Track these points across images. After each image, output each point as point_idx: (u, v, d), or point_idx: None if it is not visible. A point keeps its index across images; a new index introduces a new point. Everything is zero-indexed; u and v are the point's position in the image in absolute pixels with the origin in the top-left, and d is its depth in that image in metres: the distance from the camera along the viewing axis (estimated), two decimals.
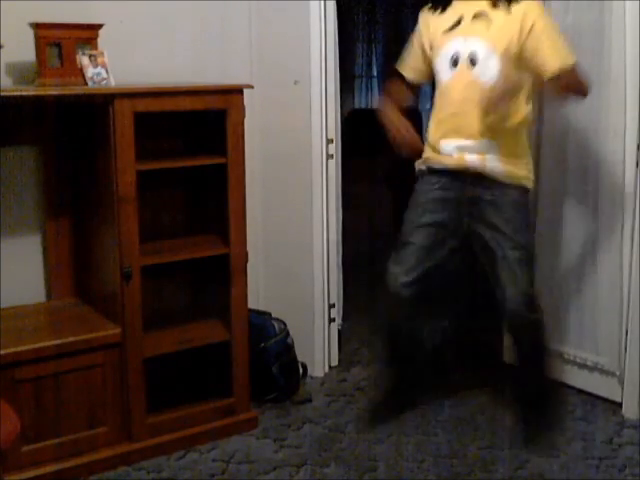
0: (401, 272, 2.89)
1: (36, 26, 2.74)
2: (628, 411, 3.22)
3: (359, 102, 8.49)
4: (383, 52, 8.31)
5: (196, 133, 3.16)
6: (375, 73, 8.53)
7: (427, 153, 2.91)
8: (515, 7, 2.68)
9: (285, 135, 3.55)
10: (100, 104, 2.72)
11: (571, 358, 3.45)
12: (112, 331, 2.81)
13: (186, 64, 3.30)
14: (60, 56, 2.78)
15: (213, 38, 3.41)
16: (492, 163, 2.76)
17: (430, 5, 2.85)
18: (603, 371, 3.33)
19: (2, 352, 2.58)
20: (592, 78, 3.10)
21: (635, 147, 3.10)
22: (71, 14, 2.87)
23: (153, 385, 2.93)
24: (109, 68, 2.79)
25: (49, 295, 3.11)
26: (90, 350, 2.76)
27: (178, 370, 3.15)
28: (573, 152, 3.33)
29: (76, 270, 3.10)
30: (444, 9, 2.79)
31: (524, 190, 2.84)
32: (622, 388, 3.24)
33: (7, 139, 2.90)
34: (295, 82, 3.46)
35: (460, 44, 2.73)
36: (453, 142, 2.79)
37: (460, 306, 3.69)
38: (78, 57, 2.77)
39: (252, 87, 3.02)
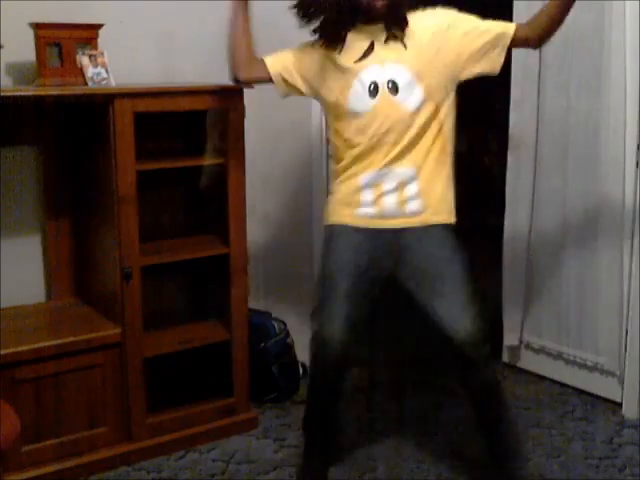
0: (331, 329, 2.51)
1: (36, 26, 2.74)
2: (628, 411, 3.22)
3: None
4: None
5: (196, 133, 3.16)
6: None
7: (341, 203, 2.60)
8: (422, 22, 2.48)
9: (285, 135, 3.55)
10: (100, 104, 2.72)
11: (571, 358, 3.45)
12: (112, 331, 2.81)
13: (186, 64, 3.30)
14: (60, 56, 2.78)
15: (213, 38, 3.40)
16: (413, 206, 2.51)
17: (321, 43, 2.53)
18: (603, 371, 3.33)
19: (2, 352, 2.59)
20: (592, 78, 3.12)
21: (635, 147, 3.10)
22: (71, 14, 2.87)
23: (153, 385, 2.93)
24: (109, 68, 2.79)
25: (49, 295, 3.11)
26: (90, 350, 2.76)
27: (178, 370, 3.15)
28: (573, 152, 3.33)
29: (76, 270, 3.10)
30: (341, 45, 2.50)
31: (450, 228, 2.57)
32: (622, 388, 3.25)
33: (7, 139, 2.90)
34: None
35: (378, 71, 2.46)
36: (372, 171, 2.51)
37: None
38: (78, 57, 2.77)
39: (252, 87, 3.01)
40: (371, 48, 2.49)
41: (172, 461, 2.91)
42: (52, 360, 2.69)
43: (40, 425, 2.70)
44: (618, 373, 3.26)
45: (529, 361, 3.63)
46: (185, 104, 2.87)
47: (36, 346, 2.67)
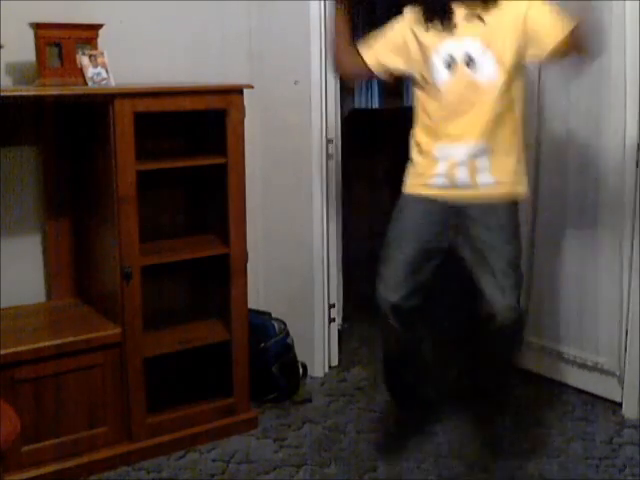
0: (389, 291, 2.81)
1: (36, 26, 2.74)
2: (628, 411, 3.22)
3: (359, 102, 8.47)
4: None
5: (196, 133, 3.16)
6: None
7: (416, 173, 2.77)
8: (505, 5, 2.60)
9: (285, 135, 3.55)
10: (100, 104, 2.72)
11: (571, 358, 3.45)
12: (112, 331, 2.81)
13: (186, 64, 3.30)
14: (60, 56, 2.78)
15: (213, 38, 3.41)
16: (484, 179, 2.65)
17: (427, 17, 2.68)
18: (603, 371, 3.33)
19: (2, 352, 2.58)
20: (591, 78, 3.11)
21: (635, 147, 3.10)
22: (71, 14, 2.88)
23: (153, 385, 2.93)
24: (109, 68, 2.79)
25: (49, 295, 3.11)
26: (90, 350, 2.76)
27: (178, 370, 3.15)
28: (573, 152, 3.33)
29: (76, 270, 3.10)
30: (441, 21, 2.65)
31: (514, 201, 2.73)
32: (622, 388, 3.24)
33: (7, 139, 2.90)
34: (295, 82, 3.46)
35: (455, 45, 2.62)
36: (446, 143, 2.67)
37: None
38: (78, 57, 2.77)
39: (252, 87, 3.02)
40: (453, 24, 2.62)
41: (172, 461, 2.91)
42: (52, 360, 2.69)
43: (40, 425, 2.70)
44: (618, 373, 3.26)
45: (529, 361, 3.63)
46: (185, 104, 2.87)
47: (36, 346, 2.67)
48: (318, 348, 3.64)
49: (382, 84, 8.65)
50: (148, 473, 2.83)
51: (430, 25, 2.67)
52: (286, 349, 3.42)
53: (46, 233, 3.05)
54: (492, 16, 2.61)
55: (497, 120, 2.63)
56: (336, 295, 3.76)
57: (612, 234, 3.21)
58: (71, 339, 2.74)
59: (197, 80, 3.13)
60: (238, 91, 2.93)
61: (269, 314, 3.48)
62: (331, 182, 3.58)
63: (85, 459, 2.78)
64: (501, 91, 2.61)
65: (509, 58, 2.60)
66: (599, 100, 3.18)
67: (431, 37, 2.66)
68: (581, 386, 3.44)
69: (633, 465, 2.85)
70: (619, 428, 3.13)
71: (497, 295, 2.63)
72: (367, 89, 8.74)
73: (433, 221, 2.74)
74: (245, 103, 2.95)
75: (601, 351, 3.33)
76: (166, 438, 2.94)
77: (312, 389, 3.52)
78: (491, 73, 2.60)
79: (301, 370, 3.53)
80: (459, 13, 2.62)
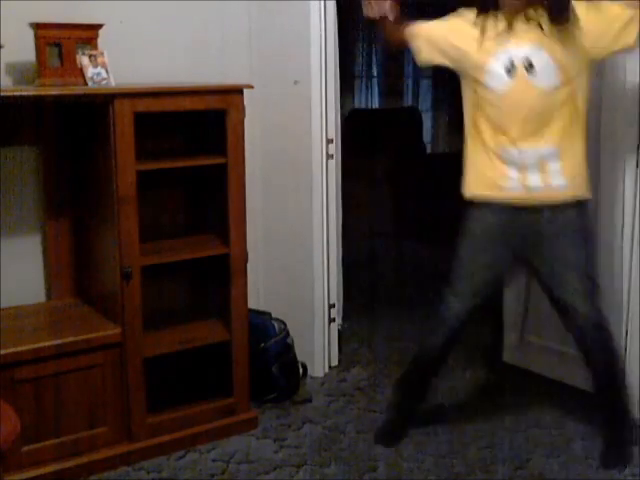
0: (459, 306, 2.86)
1: (36, 26, 2.74)
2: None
3: (359, 102, 8.48)
4: (383, 52, 8.30)
5: (196, 133, 3.16)
6: (375, 73, 8.52)
7: (483, 175, 2.77)
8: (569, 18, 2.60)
9: (285, 135, 3.55)
10: (100, 104, 2.72)
11: (571, 358, 3.44)
12: (112, 331, 2.81)
13: (186, 64, 3.30)
14: (60, 56, 2.78)
15: (213, 38, 3.41)
16: (557, 181, 2.68)
17: (481, 11, 2.70)
18: None
19: (2, 352, 2.59)
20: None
21: (635, 147, 3.09)
22: (71, 14, 2.88)
23: (153, 385, 2.93)
24: (109, 68, 2.79)
25: (49, 295, 3.11)
26: (90, 350, 2.76)
27: (178, 370, 3.15)
28: None
29: (76, 270, 3.10)
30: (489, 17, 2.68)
31: (584, 204, 2.76)
32: None
33: (7, 139, 2.90)
34: (295, 82, 3.46)
35: (515, 51, 2.64)
36: (511, 147, 2.68)
37: None
38: (78, 57, 2.77)
39: (252, 87, 3.02)
40: (510, 30, 2.64)
41: (172, 461, 2.91)
42: (52, 360, 2.69)
43: (40, 425, 2.70)
44: None
45: (529, 361, 3.63)
46: (185, 104, 2.87)
47: (36, 346, 2.67)
48: (318, 348, 3.64)
49: (382, 84, 8.68)
50: (148, 473, 2.83)
51: (485, 28, 2.68)
52: (286, 349, 3.42)
53: (46, 233, 3.05)
54: (549, 24, 2.61)
55: (563, 123, 2.66)
56: (336, 295, 3.76)
57: (612, 234, 3.21)
58: (71, 339, 2.74)
59: (197, 80, 3.13)
60: (238, 91, 2.93)
61: (269, 314, 3.48)
62: (331, 182, 3.58)
63: (85, 459, 2.79)
64: (563, 95, 2.64)
65: (571, 63, 2.62)
66: (599, 100, 3.18)
67: (491, 40, 2.67)
68: (581, 386, 3.43)
69: (633, 465, 2.85)
70: None
71: (577, 301, 2.73)
72: (367, 89, 8.75)
73: (504, 231, 2.76)
74: (245, 103, 2.95)
75: None
76: (166, 438, 2.94)
77: (312, 389, 3.52)
78: (552, 78, 2.62)
79: (301, 370, 3.53)
80: (517, 19, 2.64)
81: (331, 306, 3.68)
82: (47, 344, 2.69)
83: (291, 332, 3.46)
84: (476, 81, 2.72)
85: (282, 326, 3.44)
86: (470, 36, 2.71)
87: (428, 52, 2.83)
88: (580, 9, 2.61)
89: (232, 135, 2.93)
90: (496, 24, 2.68)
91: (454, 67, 2.81)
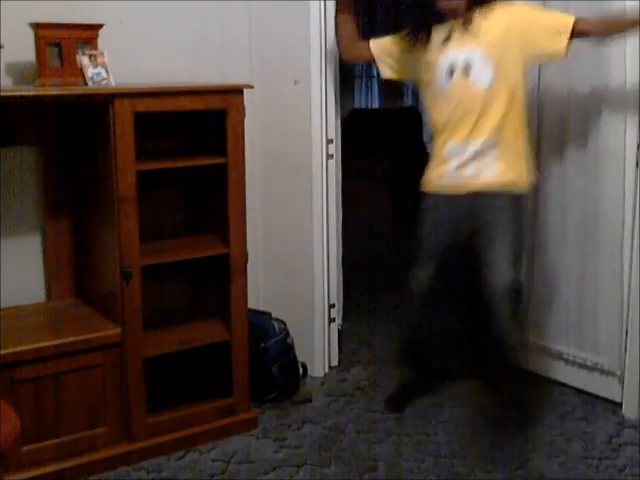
0: (422, 274, 3.13)
1: (36, 26, 2.74)
2: (628, 411, 3.22)
3: (359, 102, 8.49)
4: None
5: (196, 133, 3.16)
6: (375, 73, 8.53)
7: (432, 174, 3.05)
8: (500, 12, 2.86)
9: (285, 135, 3.55)
10: (100, 104, 2.72)
11: (571, 358, 3.45)
12: (112, 331, 2.81)
13: (186, 64, 3.30)
14: (60, 56, 2.78)
15: (213, 38, 3.41)
16: (489, 171, 2.91)
17: (417, 30, 2.98)
18: (603, 371, 3.33)
19: (2, 352, 2.58)
20: (591, 78, 3.11)
21: (635, 147, 3.10)
22: (71, 14, 2.87)
23: (153, 385, 2.93)
24: (109, 68, 2.79)
25: (49, 295, 3.11)
26: (90, 350, 2.76)
27: (178, 370, 3.15)
28: (573, 152, 3.33)
29: (76, 270, 3.10)
30: (429, 33, 2.95)
31: (519, 197, 2.96)
32: (622, 388, 3.24)
33: (7, 139, 2.90)
34: (295, 82, 3.46)
35: (454, 56, 2.87)
36: (457, 143, 2.92)
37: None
38: (78, 57, 2.77)
39: (252, 87, 3.02)
40: (449, 38, 2.89)
41: (172, 461, 2.91)
42: (52, 360, 2.69)
43: (40, 425, 2.69)
44: (618, 373, 3.26)
45: (529, 361, 3.62)
46: (185, 104, 2.87)
47: (36, 346, 2.67)
48: (318, 348, 3.64)
49: (382, 84, 8.68)
50: (148, 473, 2.83)
51: (423, 40, 2.95)
52: (286, 349, 3.42)
53: (46, 233, 3.05)
54: (488, 24, 2.84)
55: (500, 116, 2.86)
56: (336, 295, 3.76)
57: (612, 234, 3.21)
58: (71, 339, 2.74)
59: (197, 80, 3.14)
60: (238, 91, 2.93)
61: (269, 314, 3.48)
62: (331, 182, 3.58)
63: (85, 459, 2.78)
64: (499, 93, 2.84)
65: (507, 61, 2.82)
66: (599, 100, 3.18)
67: (433, 50, 2.92)
68: (581, 386, 3.44)
69: (633, 465, 2.85)
70: (619, 428, 3.13)
71: (500, 268, 2.92)
72: (367, 89, 8.76)
73: (450, 213, 3.01)
74: (245, 103, 2.95)
75: (601, 351, 3.33)
76: (166, 438, 2.94)
77: (312, 389, 3.52)
78: (488, 77, 2.83)
79: (301, 370, 3.53)
80: (455, 26, 2.87)
81: (331, 306, 3.68)
82: (47, 344, 2.69)
83: (291, 332, 3.46)
84: (429, 85, 2.99)
85: (282, 326, 3.44)
86: (416, 46, 2.98)
87: (388, 67, 3.15)
88: (528, 8, 2.90)
89: (232, 135, 2.93)
90: (438, 33, 2.92)
91: (410, 78, 3.15)
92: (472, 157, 2.91)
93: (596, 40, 2.91)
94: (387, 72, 3.18)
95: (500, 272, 2.92)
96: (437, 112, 2.99)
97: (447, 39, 2.90)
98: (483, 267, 2.97)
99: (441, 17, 2.93)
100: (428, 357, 3.40)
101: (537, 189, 3.44)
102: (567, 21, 2.80)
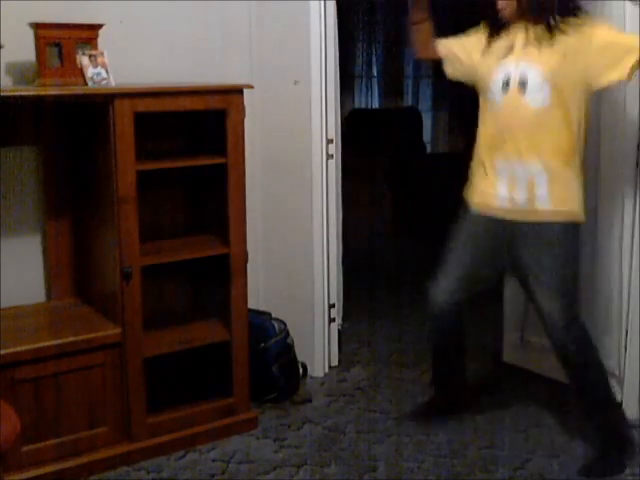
0: (446, 294, 2.97)
1: (36, 26, 2.74)
2: (628, 411, 3.21)
3: (359, 102, 8.48)
4: (383, 52, 8.30)
5: (196, 133, 3.16)
6: (375, 73, 8.51)
7: (479, 188, 2.88)
8: (571, 33, 2.65)
9: (285, 135, 3.55)
10: (100, 104, 2.72)
11: None
12: (112, 331, 2.81)
13: (186, 64, 3.30)
14: (60, 56, 2.78)
15: (213, 38, 3.41)
16: (541, 200, 2.73)
17: (488, 32, 2.84)
18: None
19: (2, 352, 2.59)
20: None
21: (635, 147, 3.10)
22: (71, 14, 2.88)
23: (153, 385, 2.93)
24: (109, 68, 2.79)
25: (49, 295, 3.11)
26: (90, 350, 2.76)
27: (178, 370, 3.15)
28: None
29: (76, 270, 3.10)
30: (499, 34, 2.80)
31: (573, 225, 2.79)
32: (622, 388, 3.24)
33: (7, 139, 2.90)
34: (295, 82, 3.46)
35: (512, 68, 2.71)
36: (504, 160, 2.76)
37: None
38: (78, 57, 2.77)
39: (252, 87, 3.02)
40: (512, 47, 2.73)
41: (172, 461, 2.91)
42: (52, 360, 2.69)
43: (40, 425, 2.70)
44: (618, 373, 3.26)
45: (529, 361, 3.63)
46: (185, 104, 2.87)
47: (36, 346, 2.67)
48: (318, 348, 3.64)
49: (382, 84, 8.67)
50: (148, 473, 2.83)
51: (492, 44, 2.80)
52: (286, 349, 3.42)
53: (46, 233, 3.05)
54: (556, 41, 2.66)
55: (555, 145, 2.70)
56: (336, 295, 3.76)
57: (612, 234, 3.21)
58: (71, 339, 2.74)
59: (197, 80, 3.14)
60: (238, 91, 2.93)
61: (269, 314, 3.48)
62: (331, 182, 3.58)
63: (85, 459, 2.79)
64: (554, 117, 2.68)
65: (568, 86, 2.66)
66: (598, 100, 3.18)
67: (493, 58, 2.78)
68: None
69: (633, 465, 2.85)
70: None
71: (549, 315, 2.80)
72: (367, 89, 8.75)
73: (490, 237, 2.87)
74: (245, 103, 2.95)
75: (601, 351, 3.32)
76: (166, 438, 2.94)
77: (312, 389, 3.52)
78: (544, 98, 2.67)
79: (301, 370, 3.53)
80: (519, 37, 2.72)
81: (331, 306, 3.68)
82: (47, 344, 2.69)
83: (291, 332, 3.46)
84: (484, 94, 2.83)
85: (282, 326, 3.44)
86: (480, 52, 2.84)
87: (454, 68, 2.98)
88: (601, 29, 2.64)
89: (232, 135, 2.93)
90: (501, 41, 2.78)
91: (471, 82, 2.92)
92: (522, 180, 2.72)
93: None
94: (451, 72, 2.99)
95: (554, 319, 2.79)
96: (486, 123, 2.83)
97: (510, 48, 2.73)
98: (534, 301, 2.85)
99: (505, 22, 2.77)
100: (456, 372, 3.25)
101: None
102: (634, 41, 2.57)
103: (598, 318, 3.31)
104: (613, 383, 3.28)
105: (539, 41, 2.67)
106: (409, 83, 8.59)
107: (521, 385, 3.53)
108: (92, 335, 2.78)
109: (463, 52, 2.93)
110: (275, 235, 3.65)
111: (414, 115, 7.75)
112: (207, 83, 3.05)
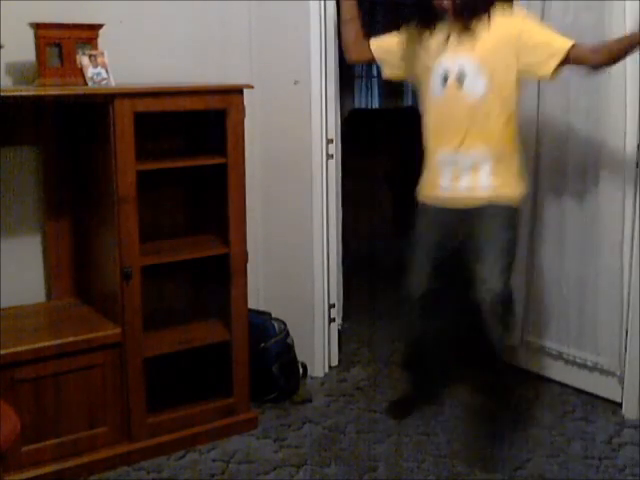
0: (416, 281, 3.07)
1: (36, 26, 2.74)
2: (628, 411, 3.22)
3: (359, 102, 8.49)
4: None
5: (196, 133, 3.16)
6: (375, 73, 8.53)
7: (426, 184, 3.02)
8: (499, 22, 2.78)
9: (285, 135, 3.55)
10: (100, 104, 2.72)
11: (571, 358, 3.45)
12: (112, 331, 2.81)
13: (186, 64, 3.30)
14: (60, 56, 2.78)
15: (213, 38, 3.41)
16: (484, 185, 2.85)
17: (419, 27, 2.92)
18: (603, 371, 3.33)
19: (2, 352, 2.59)
20: (592, 78, 3.11)
21: (635, 147, 3.10)
22: (71, 14, 2.87)
23: (153, 385, 2.93)
24: (109, 68, 2.79)
25: (49, 295, 3.11)
26: (90, 350, 2.76)
27: (178, 370, 3.15)
28: (573, 152, 3.33)
29: (76, 270, 3.10)
30: (432, 31, 2.88)
31: (513, 209, 2.89)
32: (622, 388, 3.25)
33: (7, 139, 2.90)
34: (295, 82, 3.46)
35: (449, 63, 2.82)
36: (448, 152, 2.87)
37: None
38: (78, 57, 2.77)
39: (252, 87, 3.02)
40: (447, 41, 2.83)
41: (172, 461, 2.91)
42: (52, 360, 2.69)
43: (40, 425, 2.70)
44: (618, 373, 3.26)
45: (529, 361, 3.63)
46: (185, 104, 2.87)
47: (36, 346, 2.67)
48: (318, 348, 3.64)
49: (382, 84, 8.68)
50: (148, 473, 2.83)
51: (424, 39, 2.89)
52: (286, 349, 3.42)
53: (46, 233, 3.05)
54: (487, 33, 2.77)
55: (495, 129, 2.81)
56: (336, 295, 3.76)
57: (612, 234, 3.21)
58: (71, 339, 2.74)
59: (197, 80, 3.13)
60: (238, 91, 2.93)
61: (269, 314, 3.48)
62: (331, 182, 3.58)
63: (85, 459, 2.79)
64: (491, 105, 2.79)
65: (501, 74, 2.77)
66: (599, 100, 3.18)
67: (430, 53, 2.87)
68: (581, 386, 3.44)
69: (633, 465, 2.85)
70: (619, 428, 3.13)
71: (487, 279, 2.87)
72: (367, 89, 8.76)
73: (441, 225, 2.98)
74: (245, 103, 2.95)
75: (601, 351, 3.33)
76: (166, 438, 2.94)
77: (312, 389, 3.52)
78: (481, 88, 2.78)
79: (301, 370, 3.53)
80: (453, 30, 2.81)
81: (331, 306, 3.68)
82: (47, 344, 2.69)
83: (291, 332, 3.46)
84: (424, 88, 2.95)
85: (282, 326, 3.44)
86: (417, 47, 2.93)
87: (389, 68, 3.10)
88: (530, 25, 2.78)
89: (232, 135, 2.93)
90: (436, 35, 2.87)
91: (410, 78, 3.06)
92: (466, 169, 2.85)
93: (593, 69, 2.78)
94: (388, 72, 3.14)
95: (489, 285, 2.86)
96: (429, 117, 2.94)
97: (445, 43, 2.84)
98: (473, 278, 2.92)
99: (441, 15, 2.85)
100: (431, 363, 3.33)
101: (537, 188, 3.45)
102: (563, 45, 2.71)
103: (598, 318, 3.31)
104: (613, 383, 3.30)
105: (471, 34, 2.78)
106: (409, 83, 8.60)
107: (521, 385, 3.53)
108: (92, 335, 2.78)
109: (398, 48, 3.01)
110: (275, 235, 3.65)
111: (414, 115, 7.74)
112: (207, 83, 3.05)
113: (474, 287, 2.91)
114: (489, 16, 2.77)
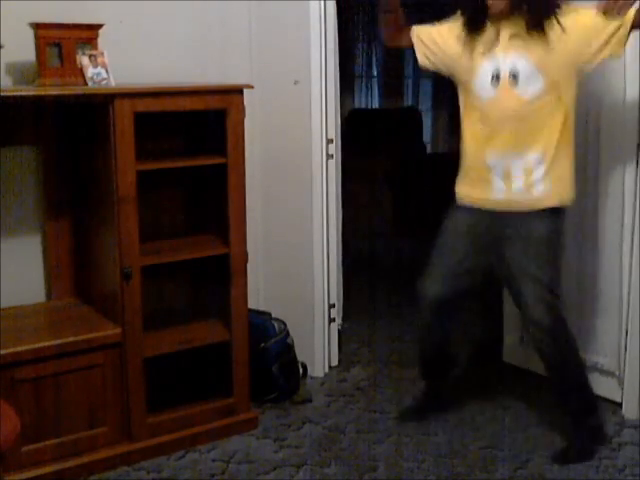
0: (433, 288, 2.97)
1: (36, 26, 2.74)
2: (628, 411, 3.22)
3: (359, 102, 8.48)
4: (383, 52, 8.30)
5: (196, 133, 3.16)
6: (375, 73, 8.52)
7: (468, 184, 2.88)
8: (551, 27, 2.65)
9: (285, 135, 3.55)
10: (100, 104, 2.72)
11: None
12: (112, 331, 2.81)
13: (186, 64, 3.30)
14: (60, 56, 2.78)
15: (213, 38, 3.41)
16: (540, 190, 2.74)
17: (466, 28, 2.77)
18: (603, 371, 3.33)
19: (2, 352, 2.59)
20: (592, 78, 3.11)
21: (635, 147, 3.10)
22: (71, 14, 2.87)
23: (153, 385, 2.93)
24: (109, 68, 2.79)
25: (49, 295, 3.11)
26: (90, 350, 2.76)
27: (178, 370, 3.15)
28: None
29: (76, 270, 3.10)
30: (481, 28, 2.75)
31: (560, 211, 2.80)
32: (622, 388, 3.25)
33: (7, 139, 2.90)
34: (295, 82, 3.46)
35: (501, 61, 2.70)
36: (499, 154, 2.76)
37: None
38: (78, 57, 2.77)
39: (252, 87, 3.02)
40: (495, 40, 2.70)
41: (172, 461, 2.91)
42: (52, 360, 2.69)
43: (40, 425, 2.70)
44: (618, 373, 3.26)
45: (529, 361, 3.62)
46: (185, 104, 2.87)
47: (36, 346, 2.67)
48: (318, 348, 3.64)
49: (382, 84, 8.68)
50: (148, 473, 2.83)
51: (473, 38, 2.75)
52: (286, 349, 3.42)
53: (46, 233, 3.05)
54: (540, 33, 2.65)
55: (550, 131, 2.70)
56: (336, 295, 3.76)
57: (612, 234, 3.21)
58: (71, 339, 2.74)
59: (197, 80, 3.14)
60: (238, 91, 2.93)
61: (269, 314, 3.48)
62: (331, 182, 3.58)
63: (85, 459, 2.79)
64: (548, 103, 2.68)
65: (557, 69, 2.67)
66: (598, 100, 3.18)
67: (479, 51, 2.74)
68: None
69: (633, 465, 2.85)
70: (619, 428, 3.13)
71: (530, 305, 2.79)
72: (367, 89, 8.75)
73: (481, 232, 2.86)
74: (245, 103, 2.95)
75: (601, 351, 3.33)
76: (166, 438, 2.94)
77: (312, 389, 3.52)
78: (536, 86, 2.67)
79: (301, 370, 3.53)
80: (504, 30, 2.69)
81: (331, 306, 3.68)
82: (47, 344, 2.69)
83: (291, 332, 3.46)
84: (466, 88, 2.82)
85: (282, 326, 3.44)
86: (459, 44, 2.79)
87: (424, 56, 2.92)
88: (570, 16, 2.65)
89: (232, 135, 2.93)
90: (483, 33, 2.74)
91: (447, 73, 2.89)
92: (519, 171, 2.74)
93: None
94: (423, 60, 2.93)
95: (532, 313, 2.79)
96: (475, 118, 2.80)
97: (494, 43, 2.71)
98: (514, 299, 2.89)
99: (490, 14, 2.71)
100: (445, 368, 3.28)
101: None
102: (625, 23, 2.57)
103: (598, 318, 3.31)
104: (613, 383, 3.30)
105: (525, 33, 2.66)
106: (409, 83, 8.60)
107: (521, 385, 3.53)
108: (92, 335, 2.78)
109: (438, 40, 2.87)
110: (275, 235, 3.65)
111: (414, 115, 7.76)
112: (207, 83, 3.05)
113: (521, 305, 2.84)
114: (549, 15, 2.64)
